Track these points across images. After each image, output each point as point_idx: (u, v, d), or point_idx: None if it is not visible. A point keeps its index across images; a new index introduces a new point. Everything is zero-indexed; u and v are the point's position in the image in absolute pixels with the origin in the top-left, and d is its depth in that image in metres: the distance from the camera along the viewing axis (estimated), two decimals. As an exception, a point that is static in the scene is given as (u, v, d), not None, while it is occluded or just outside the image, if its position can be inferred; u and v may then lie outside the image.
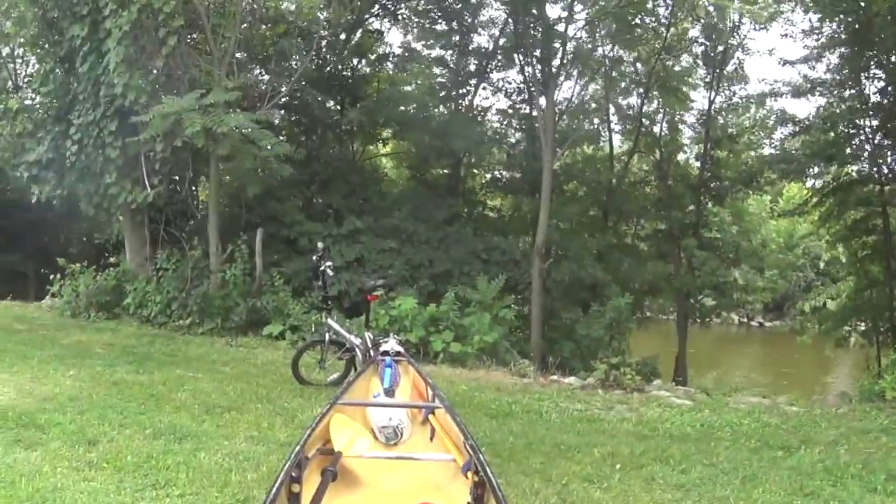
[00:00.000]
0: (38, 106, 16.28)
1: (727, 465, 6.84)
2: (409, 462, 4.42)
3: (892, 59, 18.01)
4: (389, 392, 5.54)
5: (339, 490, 3.89)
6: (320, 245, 10.38)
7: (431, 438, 4.94)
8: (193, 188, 17.15)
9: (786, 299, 41.21)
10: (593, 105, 24.93)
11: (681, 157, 27.22)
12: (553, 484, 6.18)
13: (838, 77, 19.74)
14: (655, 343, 27.91)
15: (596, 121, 25.54)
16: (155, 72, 14.17)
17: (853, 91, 19.61)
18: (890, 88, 18.96)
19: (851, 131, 19.86)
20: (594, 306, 19.45)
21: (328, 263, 9.74)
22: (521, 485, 6.09)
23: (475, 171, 24.98)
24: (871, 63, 18.70)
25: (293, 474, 3.59)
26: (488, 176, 25.62)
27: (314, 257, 9.85)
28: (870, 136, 19.78)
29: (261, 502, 3.39)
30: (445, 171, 23.91)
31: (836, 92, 20.21)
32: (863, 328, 21.98)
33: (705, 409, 9.39)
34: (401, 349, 6.07)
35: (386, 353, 6.00)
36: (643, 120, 25.40)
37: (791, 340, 29.56)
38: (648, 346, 25.01)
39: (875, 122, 19.61)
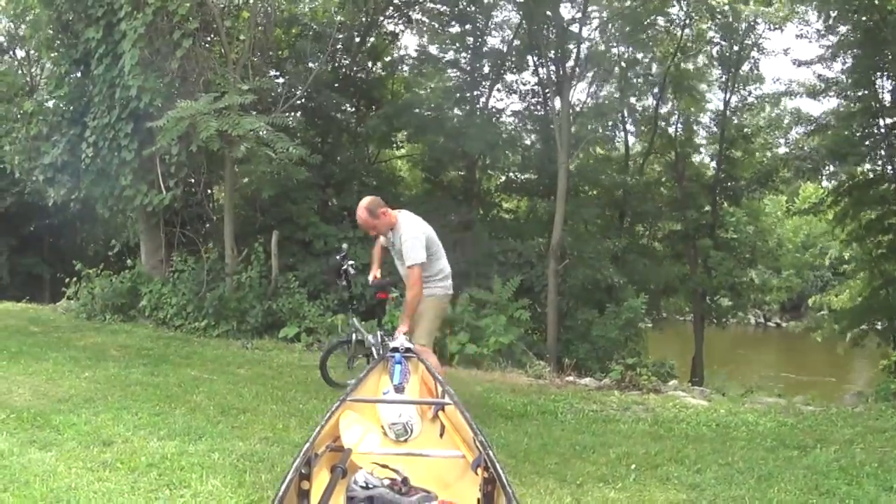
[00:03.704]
0: (52, 108, 16.32)
1: (742, 464, 6.80)
2: (419, 459, 4.43)
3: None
4: (399, 389, 5.58)
5: None
6: (344, 246, 10.34)
7: (441, 435, 4.97)
8: (209, 190, 17.17)
9: (803, 299, 41.00)
10: (607, 106, 24.88)
11: (696, 157, 27.21)
12: (568, 484, 6.14)
13: (853, 76, 19.67)
14: (672, 344, 27.87)
15: (610, 123, 25.49)
16: (170, 74, 14.17)
17: (867, 91, 19.53)
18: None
19: (866, 131, 19.80)
20: (610, 307, 19.39)
21: (350, 262, 9.69)
22: (535, 485, 6.06)
23: (490, 172, 24.96)
24: (885, 63, 18.61)
25: (303, 471, 3.59)
26: (503, 178, 25.60)
27: (337, 257, 9.78)
28: (884, 136, 19.70)
29: (270, 499, 3.38)
30: (461, 172, 23.90)
31: (850, 92, 20.15)
32: (879, 327, 21.90)
33: (721, 409, 9.32)
34: (410, 346, 6.07)
35: (395, 349, 6.00)
36: (658, 121, 25.38)
37: (808, 341, 29.49)
38: (665, 348, 24.96)
39: (889, 121, 19.55)
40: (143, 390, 8.66)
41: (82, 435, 6.57)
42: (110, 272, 15.82)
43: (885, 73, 19.04)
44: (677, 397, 10.24)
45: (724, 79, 24.83)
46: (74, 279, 15.92)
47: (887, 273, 21.33)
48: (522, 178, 24.93)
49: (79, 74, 15.57)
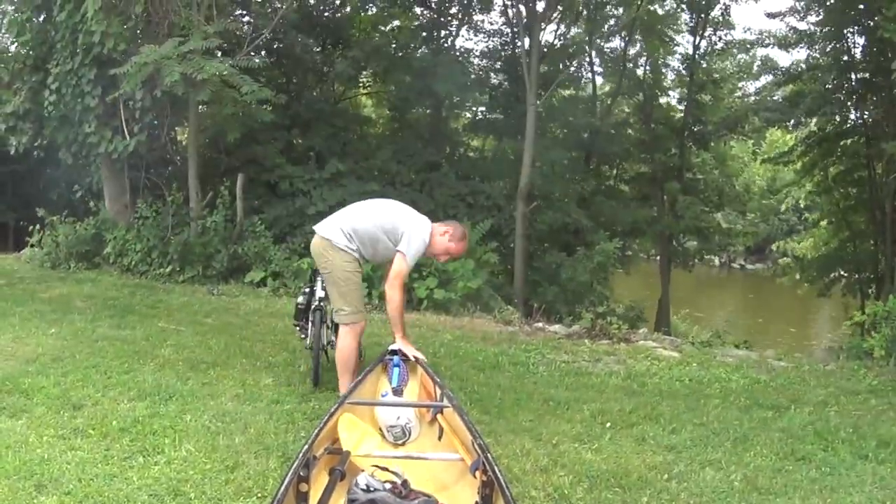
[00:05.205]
0: (13, 56, 16.01)
1: (717, 425, 6.82)
2: (418, 461, 4.47)
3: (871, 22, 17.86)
4: (397, 391, 5.63)
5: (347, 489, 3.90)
6: None
7: (440, 438, 5.01)
8: (172, 133, 16.89)
9: (767, 242, 41.46)
10: (576, 48, 24.80)
11: (664, 100, 27.24)
12: (543, 444, 6.13)
13: (825, 30, 19.56)
14: (637, 283, 28.05)
15: (577, 63, 25.45)
16: (134, 18, 13.86)
17: (838, 45, 19.49)
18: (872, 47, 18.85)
19: (836, 83, 19.77)
20: (581, 250, 19.41)
21: None
22: (511, 444, 6.04)
23: (457, 111, 24.82)
24: (858, 17, 18.51)
25: (301, 473, 3.62)
26: (468, 115, 25.53)
27: None
28: (856, 89, 19.69)
29: (269, 501, 3.38)
30: (428, 110, 23.72)
31: (822, 45, 20.06)
32: (844, 281, 22.22)
33: (693, 363, 9.37)
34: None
35: (394, 352, 5.99)
36: (626, 63, 25.35)
37: (771, 283, 29.86)
38: (630, 287, 25.11)
39: (861, 76, 19.55)
40: (110, 345, 8.53)
41: (52, 399, 6.45)
42: (74, 218, 15.57)
43: (858, 28, 18.95)
44: (648, 348, 10.27)
45: (692, 23, 24.73)
46: (38, 227, 15.67)
47: (855, 225, 21.56)
48: (490, 117, 24.79)
49: (41, 20, 15.19)
